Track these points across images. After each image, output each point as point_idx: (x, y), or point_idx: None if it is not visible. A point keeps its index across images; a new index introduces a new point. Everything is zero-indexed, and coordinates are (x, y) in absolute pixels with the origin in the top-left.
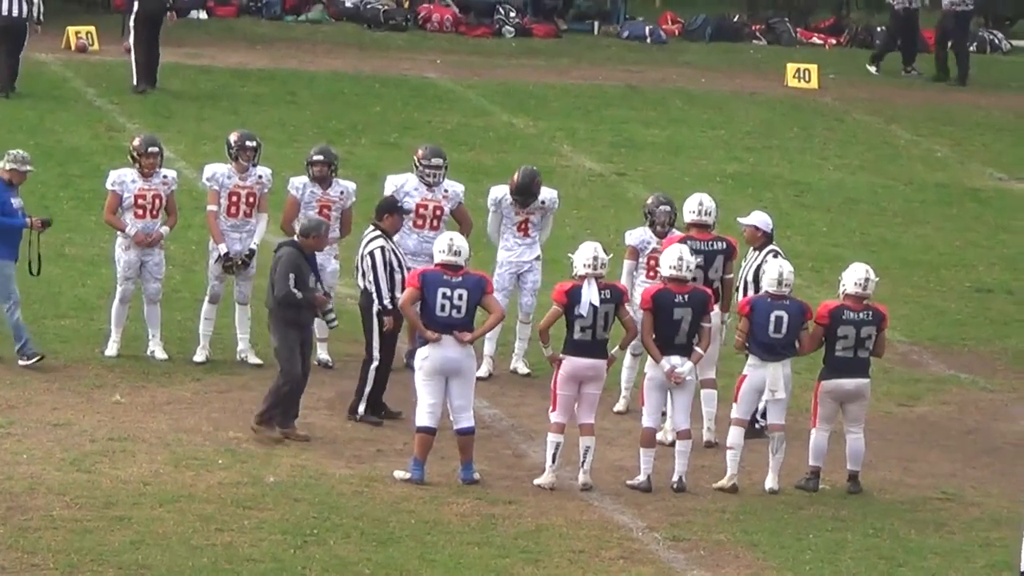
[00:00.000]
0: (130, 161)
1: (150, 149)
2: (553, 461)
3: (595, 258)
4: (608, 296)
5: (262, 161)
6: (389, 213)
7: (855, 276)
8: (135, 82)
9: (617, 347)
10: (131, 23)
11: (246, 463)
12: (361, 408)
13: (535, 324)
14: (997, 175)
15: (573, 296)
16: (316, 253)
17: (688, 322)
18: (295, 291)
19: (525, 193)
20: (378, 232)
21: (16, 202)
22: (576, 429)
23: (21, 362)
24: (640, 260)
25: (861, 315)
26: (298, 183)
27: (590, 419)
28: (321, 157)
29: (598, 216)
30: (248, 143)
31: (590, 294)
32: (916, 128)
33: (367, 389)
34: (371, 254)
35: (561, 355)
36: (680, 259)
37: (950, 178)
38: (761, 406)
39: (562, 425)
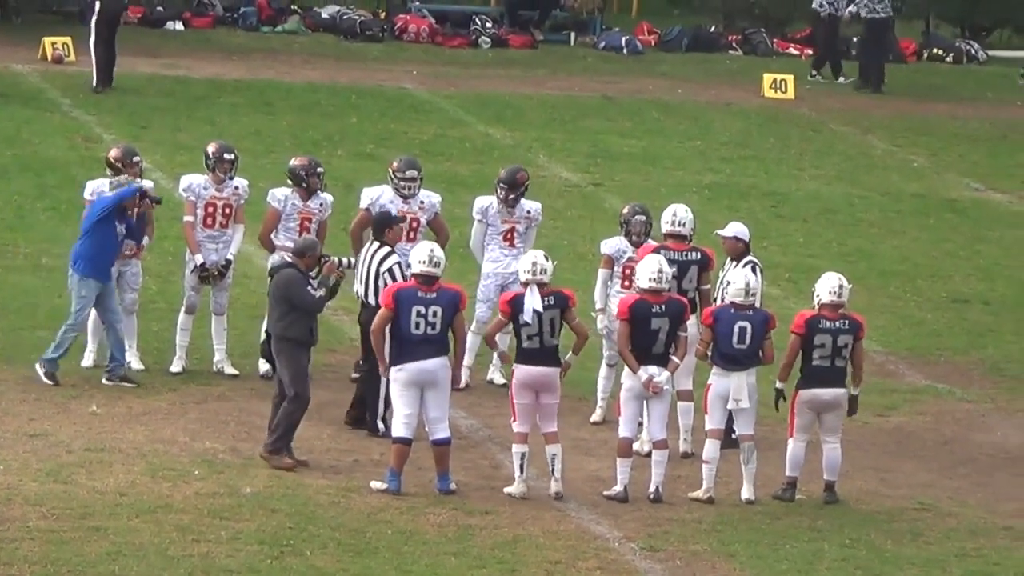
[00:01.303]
0: (108, 172)
1: (134, 159)
2: (521, 471)
3: (534, 263)
4: (552, 302)
5: (239, 171)
6: (388, 227)
7: (829, 285)
8: (95, 83)
9: (570, 353)
10: (92, 24)
11: (223, 474)
12: (381, 424)
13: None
14: (974, 185)
15: (516, 305)
16: None
17: (665, 332)
18: (319, 293)
19: (511, 183)
20: (388, 249)
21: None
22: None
23: (38, 367)
24: (615, 269)
25: (837, 324)
26: (279, 195)
27: (552, 427)
28: (321, 170)
29: (575, 226)
30: (227, 155)
31: (532, 301)
32: (893, 138)
33: (380, 403)
34: (390, 271)
35: (513, 365)
36: (659, 271)
37: (927, 188)
38: None
39: (524, 435)
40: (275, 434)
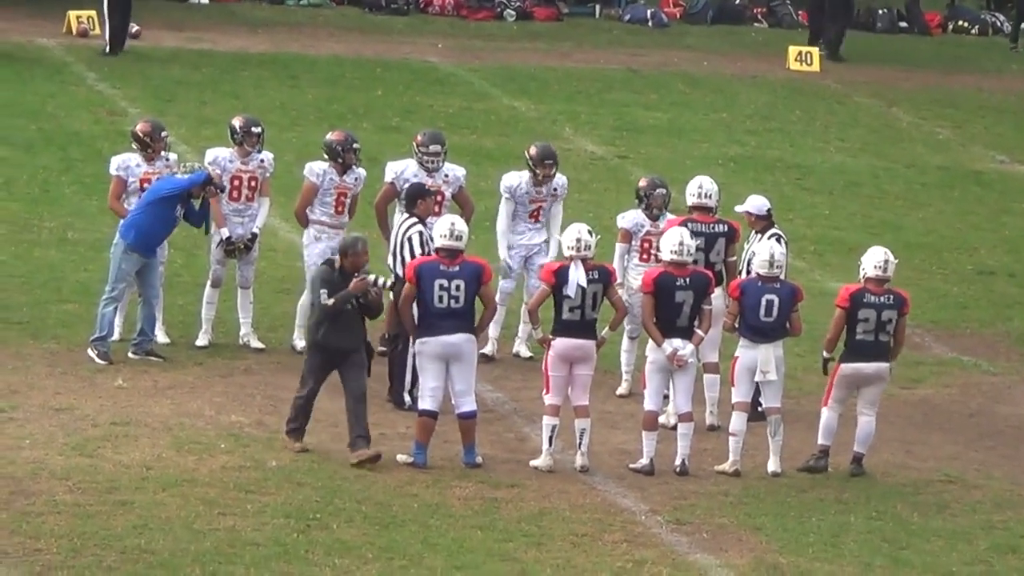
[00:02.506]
0: (135, 146)
1: (162, 134)
2: (550, 444)
3: (578, 239)
4: (596, 276)
5: (264, 144)
6: (421, 198)
7: (875, 259)
8: (108, 48)
9: (607, 328)
10: None
11: (248, 447)
12: (407, 398)
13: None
14: (999, 158)
15: (561, 276)
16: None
17: (689, 305)
18: (327, 301)
19: (547, 157)
20: (415, 219)
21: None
22: (572, 412)
23: (90, 351)
24: (633, 243)
25: (882, 299)
26: (317, 169)
27: (584, 400)
28: (358, 146)
29: (600, 199)
30: (254, 128)
31: (577, 275)
32: (918, 111)
33: (407, 376)
34: (409, 239)
35: (551, 336)
36: (680, 243)
37: (952, 161)
38: None
39: (557, 407)
40: (294, 418)
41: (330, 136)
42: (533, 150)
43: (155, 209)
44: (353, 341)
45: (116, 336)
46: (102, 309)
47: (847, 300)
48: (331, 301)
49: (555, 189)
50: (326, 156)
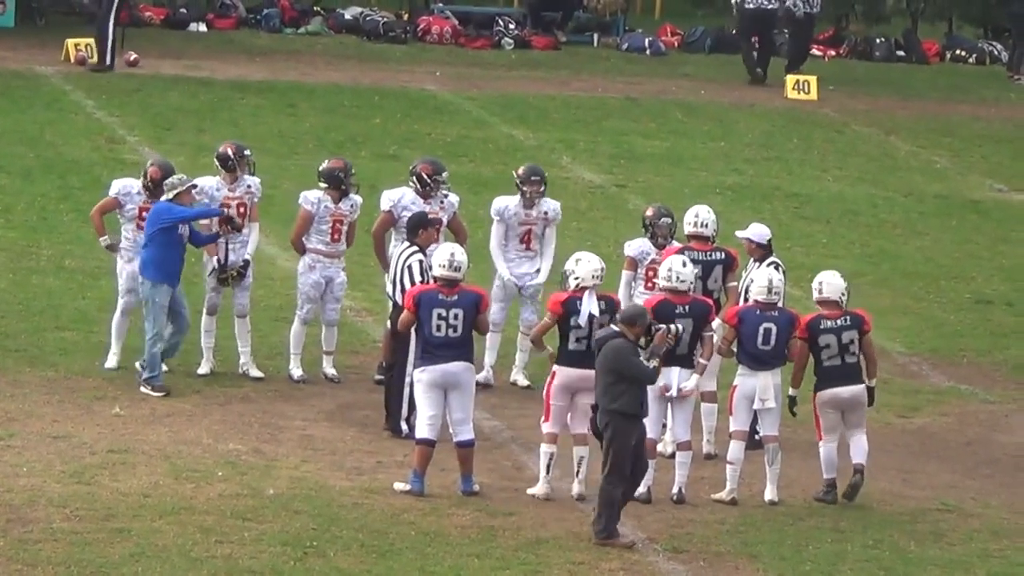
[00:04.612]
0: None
1: (246, 154)
2: (547, 471)
3: (599, 269)
4: (604, 307)
5: (262, 172)
6: (423, 228)
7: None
8: (107, 62)
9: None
10: (115, 4)
11: (246, 475)
12: (404, 426)
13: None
14: (997, 186)
15: (569, 307)
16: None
17: (689, 333)
18: (652, 364)
19: (534, 174)
20: (415, 248)
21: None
22: (571, 439)
23: (143, 388)
24: (639, 271)
25: (839, 322)
26: (312, 198)
27: (583, 429)
28: (354, 172)
29: (598, 228)
30: (246, 152)
31: (591, 305)
32: (915, 139)
33: (404, 405)
34: (409, 267)
35: (555, 366)
36: (670, 270)
37: (950, 189)
38: None
39: (555, 435)
40: (599, 517)
41: (328, 164)
42: (521, 170)
43: (160, 238)
44: None
45: (114, 364)
46: (150, 350)
47: (805, 330)
48: (655, 362)
49: (546, 212)
50: (324, 184)
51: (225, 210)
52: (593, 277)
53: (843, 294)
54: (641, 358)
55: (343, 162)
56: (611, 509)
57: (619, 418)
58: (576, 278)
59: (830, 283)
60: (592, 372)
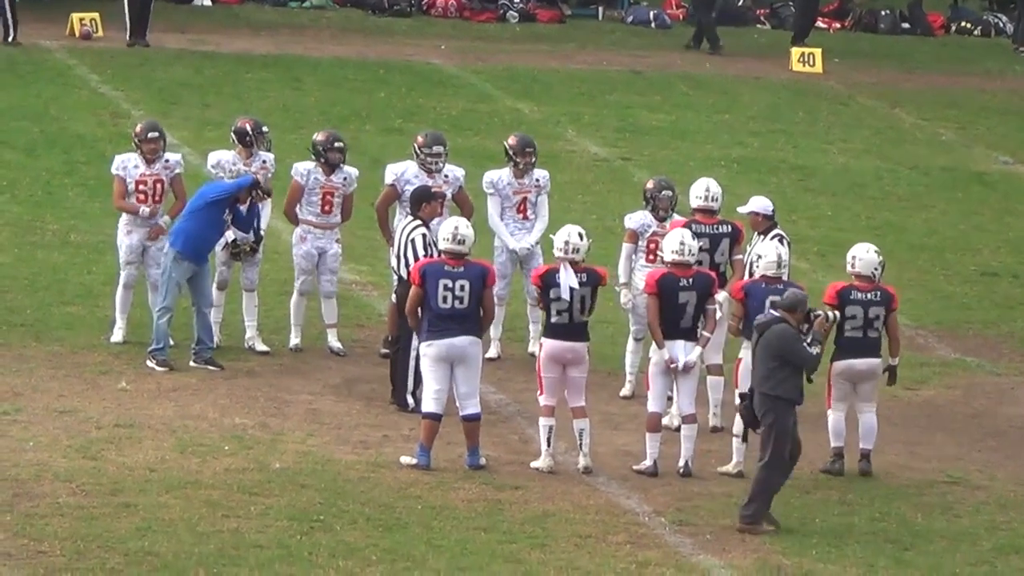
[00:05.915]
0: (133, 147)
1: (150, 135)
2: (548, 444)
3: (566, 242)
4: (585, 280)
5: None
6: (426, 201)
7: (855, 254)
8: (128, 36)
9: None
10: None
11: (252, 449)
12: (410, 400)
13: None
14: (1003, 159)
15: (547, 279)
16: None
17: (693, 306)
18: (815, 350)
19: (528, 145)
20: (419, 221)
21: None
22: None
23: (149, 362)
24: (640, 244)
25: (869, 295)
26: (302, 169)
27: (580, 402)
28: (341, 144)
29: (603, 201)
30: (264, 129)
31: (568, 279)
32: (921, 112)
33: (410, 378)
34: (412, 241)
35: (542, 338)
36: (682, 243)
37: (955, 162)
38: None
39: (551, 407)
40: (751, 502)
41: (316, 136)
42: (513, 140)
43: (204, 214)
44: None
45: (120, 339)
46: (157, 321)
47: (834, 297)
48: (817, 348)
49: (537, 180)
50: (312, 156)
51: (255, 174)
52: (560, 249)
53: (876, 269)
54: (805, 344)
55: (327, 134)
56: (766, 496)
57: (782, 404)
58: (556, 250)
59: (862, 258)
60: (576, 344)
